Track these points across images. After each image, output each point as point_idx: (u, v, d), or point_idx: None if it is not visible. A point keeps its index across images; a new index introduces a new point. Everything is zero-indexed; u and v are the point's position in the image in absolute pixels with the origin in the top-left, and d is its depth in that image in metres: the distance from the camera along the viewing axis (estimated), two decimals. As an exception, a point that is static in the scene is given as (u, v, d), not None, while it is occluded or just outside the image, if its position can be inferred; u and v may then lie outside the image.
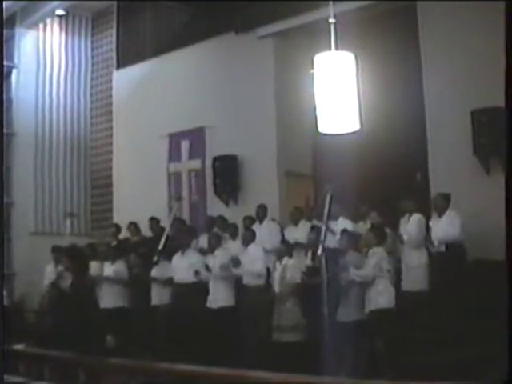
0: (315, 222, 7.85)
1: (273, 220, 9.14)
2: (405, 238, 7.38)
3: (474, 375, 4.95)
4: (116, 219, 12.09)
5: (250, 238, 8.16)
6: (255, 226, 8.76)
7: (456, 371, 5.52)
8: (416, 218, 7.43)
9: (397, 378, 5.72)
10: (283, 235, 8.53)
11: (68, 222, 11.95)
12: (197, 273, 8.19)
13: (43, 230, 12.75)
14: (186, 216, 11.12)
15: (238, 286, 8.08)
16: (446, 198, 7.38)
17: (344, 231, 7.37)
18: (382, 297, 6.65)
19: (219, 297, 7.99)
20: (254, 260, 7.94)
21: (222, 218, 9.38)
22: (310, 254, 7.34)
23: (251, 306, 7.75)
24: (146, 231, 10.36)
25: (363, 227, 7.83)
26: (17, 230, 12.34)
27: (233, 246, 8.56)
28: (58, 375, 6.49)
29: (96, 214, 13.46)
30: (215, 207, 10.66)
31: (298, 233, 8.36)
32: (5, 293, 9.24)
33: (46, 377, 6.58)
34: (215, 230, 9.07)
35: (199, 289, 8.23)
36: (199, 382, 5.26)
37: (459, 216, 7.16)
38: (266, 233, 8.61)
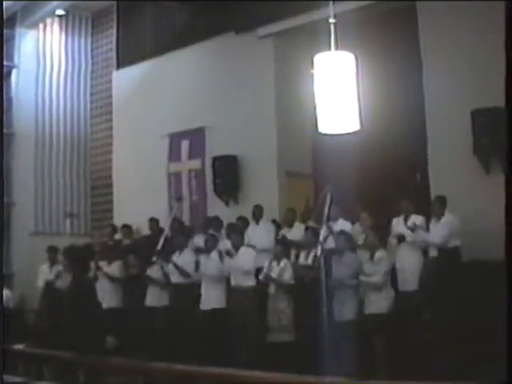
0: (311, 224, 7.87)
1: (272, 220, 9.14)
2: (402, 238, 7.38)
3: (474, 375, 4.94)
4: (116, 219, 12.10)
5: (238, 241, 8.14)
6: (251, 227, 8.75)
7: (456, 371, 5.52)
8: (414, 219, 7.42)
9: (397, 378, 5.71)
10: (280, 236, 8.51)
11: (68, 222, 11.94)
12: (197, 268, 8.17)
13: (43, 230, 12.75)
14: (186, 216, 11.13)
15: (230, 287, 8.05)
16: (442, 201, 7.38)
17: (340, 232, 7.37)
18: (383, 300, 6.65)
19: (212, 298, 7.98)
20: (244, 262, 7.91)
21: (217, 219, 9.38)
22: (306, 254, 7.33)
23: (244, 307, 7.74)
24: (146, 231, 10.36)
25: (360, 228, 7.83)
26: (17, 230, 12.34)
27: (228, 246, 8.54)
28: (58, 375, 6.48)
29: (96, 214, 13.46)
30: (215, 207, 10.67)
31: (292, 234, 8.36)
32: (5, 293, 9.22)
33: (46, 377, 6.58)
34: (211, 230, 9.07)
35: (193, 290, 8.22)
36: (197, 382, 5.26)
37: (456, 221, 7.16)
38: (262, 233, 8.61)
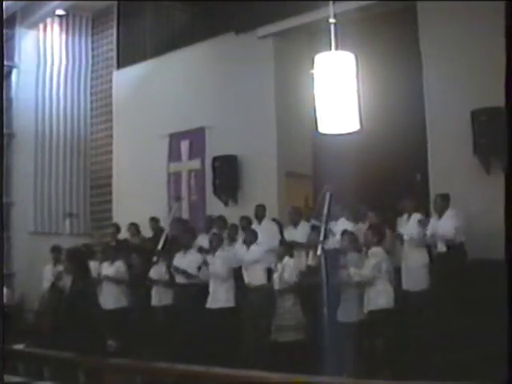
0: (314, 222, 7.87)
1: (273, 220, 9.14)
2: (405, 237, 7.37)
3: (474, 375, 4.95)
4: (115, 219, 12.09)
5: (252, 238, 8.15)
6: (254, 227, 8.75)
7: (456, 371, 5.52)
8: (416, 217, 7.42)
9: (397, 378, 5.71)
10: (283, 235, 8.52)
11: (67, 222, 11.94)
12: (200, 269, 8.18)
13: (43, 229, 12.76)
14: (185, 216, 11.12)
15: (238, 286, 8.07)
16: (445, 199, 7.37)
17: (345, 232, 7.37)
18: (380, 297, 6.64)
19: (219, 297, 7.98)
20: (254, 260, 7.93)
21: (221, 218, 9.37)
22: (310, 254, 7.34)
23: (251, 307, 7.75)
24: (146, 231, 10.36)
25: (363, 228, 7.81)
26: (17, 230, 12.34)
27: (233, 246, 8.56)
28: (58, 375, 6.48)
29: (95, 214, 13.46)
30: (214, 207, 10.66)
31: (297, 233, 8.36)
32: (5, 293, 9.22)
33: (46, 377, 6.58)
34: (214, 230, 9.07)
35: (199, 289, 8.22)
36: (199, 381, 5.26)
37: (460, 215, 7.14)
38: (265, 233, 8.61)
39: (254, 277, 7.90)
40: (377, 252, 6.84)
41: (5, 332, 5.23)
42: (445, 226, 7.11)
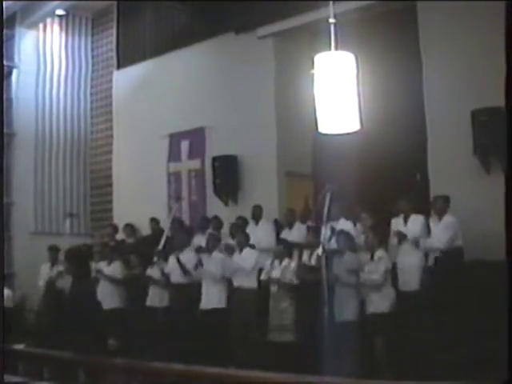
0: (310, 223, 7.87)
1: (274, 220, 9.14)
2: (406, 237, 7.35)
3: (474, 375, 4.95)
4: (116, 219, 12.11)
5: (243, 240, 8.14)
6: (251, 227, 8.74)
7: (456, 371, 5.52)
8: (418, 218, 7.39)
9: (397, 378, 5.72)
10: (281, 236, 8.51)
11: (68, 222, 11.94)
12: (196, 267, 8.18)
13: (43, 229, 12.76)
14: (185, 216, 11.14)
15: (231, 287, 8.04)
16: (445, 201, 7.34)
17: (340, 232, 7.36)
18: (383, 300, 6.64)
19: (212, 298, 7.98)
20: (246, 262, 7.91)
21: (216, 219, 9.37)
22: (309, 254, 7.33)
23: (245, 307, 7.73)
24: (145, 231, 10.36)
25: (361, 229, 7.81)
26: (17, 230, 12.34)
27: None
28: (58, 375, 6.49)
29: (96, 214, 13.46)
30: (215, 207, 10.67)
31: (292, 234, 8.36)
32: (5, 292, 9.22)
33: (46, 377, 6.58)
34: (210, 230, 9.06)
35: (194, 290, 8.22)
36: (197, 382, 5.27)
37: (457, 222, 7.10)
38: (261, 233, 8.61)
39: (248, 278, 7.87)
40: (383, 256, 6.84)
41: (5, 332, 5.24)
42: (439, 235, 7.07)
